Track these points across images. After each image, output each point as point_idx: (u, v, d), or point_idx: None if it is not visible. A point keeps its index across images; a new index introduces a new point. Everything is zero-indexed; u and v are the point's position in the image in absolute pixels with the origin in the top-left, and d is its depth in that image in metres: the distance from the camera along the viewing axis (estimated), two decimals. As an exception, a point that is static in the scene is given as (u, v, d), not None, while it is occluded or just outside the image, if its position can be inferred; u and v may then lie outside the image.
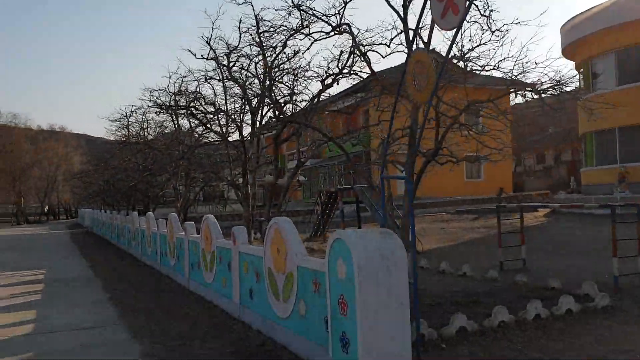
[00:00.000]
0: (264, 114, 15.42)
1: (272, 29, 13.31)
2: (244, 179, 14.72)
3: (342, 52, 12.59)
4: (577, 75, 28.52)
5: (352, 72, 11.99)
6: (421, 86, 5.04)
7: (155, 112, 21.24)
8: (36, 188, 77.81)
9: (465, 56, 10.58)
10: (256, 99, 14.23)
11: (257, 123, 15.28)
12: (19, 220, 70.08)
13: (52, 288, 13.22)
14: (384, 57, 10.68)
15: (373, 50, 10.60)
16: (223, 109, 15.36)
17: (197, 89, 16.65)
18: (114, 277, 14.96)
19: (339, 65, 12.30)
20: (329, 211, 18.57)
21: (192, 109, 16.04)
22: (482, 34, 10.13)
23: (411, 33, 9.85)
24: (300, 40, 11.90)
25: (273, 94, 12.22)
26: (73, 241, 30.82)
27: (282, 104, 12.41)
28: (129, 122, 28.01)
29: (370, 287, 5.00)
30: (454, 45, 9.21)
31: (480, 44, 10.23)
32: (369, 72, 12.54)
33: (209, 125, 16.69)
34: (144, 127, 25.12)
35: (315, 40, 11.41)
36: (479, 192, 41.30)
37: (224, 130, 16.90)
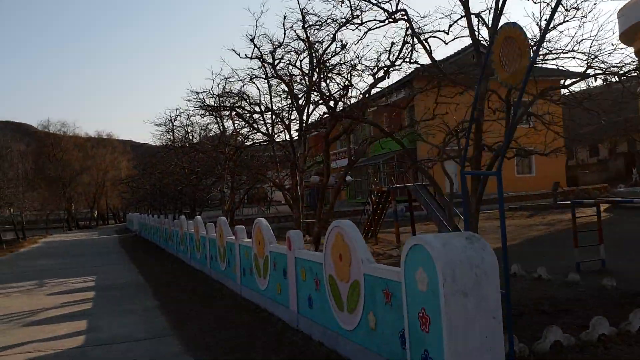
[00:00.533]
0: (310, 112, 14.88)
1: (319, 22, 12.73)
2: (293, 180, 14.19)
3: (393, 43, 11.90)
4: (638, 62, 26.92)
5: (410, 60, 11.25)
6: (512, 67, 4.35)
7: (200, 115, 21.02)
8: (85, 194, 79.73)
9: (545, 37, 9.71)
10: (303, 96, 13.70)
11: (304, 122, 14.74)
12: (69, 226, 71.80)
13: (103, 296, 13.00)
14: (446, 44, 9.96)
15: (434, 37, 9.86)
16: (269, 108, 14.86)
17: (242, 89, 16.27)
18: (164, 282, 14.68)
19: (391, 56, 11.61)
20: (379, 211, 17.89)
21: (238, 109, 15.60)
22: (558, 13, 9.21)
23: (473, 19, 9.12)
24: (352, 30, 11.18)
25: (323, 90, 11.63)
26: (122, 246, 31.04)
27: (336, 99, 11.78)
28: (174, 126, 27.99)
29: (458, 300, 4.34)
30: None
31: (557, 25, 9.31)
32: (421, 63, 11.86)
33: (255, 126, 16.24)
34: (189, 130, 25.01)
35: (369, 29, 10.76)
36: (531, 187, 39.78)
37: (270, 131, 16.44)
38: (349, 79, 11.93)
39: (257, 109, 15.72)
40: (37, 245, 38.03)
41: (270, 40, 15.09)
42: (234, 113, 16.24)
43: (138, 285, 14.53)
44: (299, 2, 12.90)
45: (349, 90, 11.91)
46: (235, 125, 21.08)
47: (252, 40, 14.83)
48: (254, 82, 16.28)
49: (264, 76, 15.22)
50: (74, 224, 74.25)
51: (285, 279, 8.73)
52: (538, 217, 25.34)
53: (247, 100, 16.23)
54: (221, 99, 20.00)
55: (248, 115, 15.62)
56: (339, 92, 11.98)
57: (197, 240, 16.91)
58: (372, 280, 5.84)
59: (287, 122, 14.28)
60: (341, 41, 12.17)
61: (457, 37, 9.96)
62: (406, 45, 11.08)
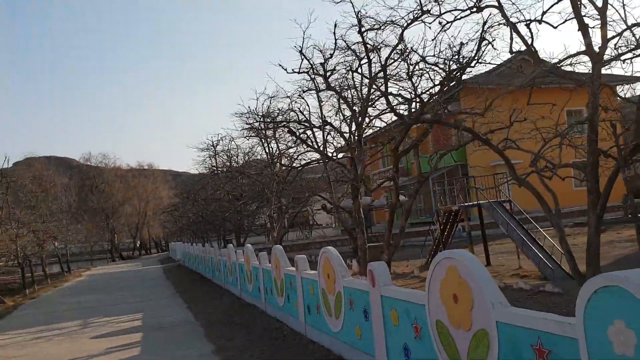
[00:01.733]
0: (367, 123, 13.48)
1: (377, 25, 11.40)
2: (356, 202, 12.77)
3: (462, 44, 10.46)
4: None
5: (478, 60, 9.80)
6: None
7: (245, 137, 19.89)
8: (128, 224, 80.00)
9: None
10: (361, 107, 12.34)
11: (361, 136, 13.33)
12: (113, 257, 71.81)
13: (152, 338, 11.74)
14: (555, 28, 8.48)
15: (543, 21, 8.40)
16: (325, 121, 13.53)
17: (290, 106, 15.01)
18: (216, 320, 13.35)
19: (465, 54, 10.18)
20: (446, 232, 16.27)
21: (288, 125, 14.32)
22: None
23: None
24: (429, 23, 9.71)
25: (390, 95, 10.23)
26: (167, 277, 30.03)
27: (413, 101, 10.34)
28: (216, 152, 27.05)
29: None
30: None
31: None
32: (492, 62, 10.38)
33: (309, 142, 14.89)
34: (230, 155, 23.91)
35: (448, 22, 9.39)
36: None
37: (323, 148, 15.10)
38: (417, 82, 10.54)
39: (309, 124, 14.43)
40: (81, 278, 37.47)
41: (321, 51, 13.86)
42: (286, 130, 14.96)
43: (188, 323, 13.25)
44: (353, 5, 11.45)
45: (418, 95, 10.48)
46: (281, 145, 19.92)
47: (300, 51, 13.62)
48: (303, 98, 15.08)
49: (314, 90, 13.95)
50: (117, 255, 74.31)
51: (368, 321, 7.25)
52: (612, 233, 23.23)
53: (297, 117, 14.96)
54: (266, 119, 18.92)
55: (301, 131, 14.33)
56: (416, 96, 10.55)
57: (248, 271, 15.59)
58: (513, 332, 4.33)
59: (346, 137, 12.88)
60: (404, 43, 10.77)
61: (566, 20, 8.39)
62: (484, 41, 9.63)
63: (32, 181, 50.92)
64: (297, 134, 13.90)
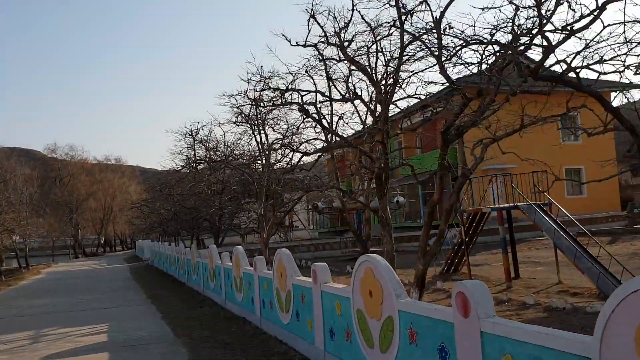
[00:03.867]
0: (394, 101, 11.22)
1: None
2: (382, 201, 10.51)
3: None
4: None
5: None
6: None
7: (235, 123, 17.46)
8: (92, 220, 76.35)
9: None
10: (389, 78, 10.12)
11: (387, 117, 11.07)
12: (76, 253, 68.24)
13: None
14: None
15: None
16: (356, 94, 11.16)
17: (292, 85, 12.64)
18: (200, 337, 10.95)
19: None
20: (468, 238, 14.14)
21: (302, 105, 11.94)
22: None
23: None
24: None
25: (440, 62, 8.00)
26: (135, 278, 27.30)
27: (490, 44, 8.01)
28: (195, 141, 24.48)
29: None
30: None
31: None
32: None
33: (324, 124, 12.47)
34: (217, 143, 21.28)
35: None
36: (581, 209, 35.88)
37: (330, 135, 12.80)
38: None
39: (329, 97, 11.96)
40: (40, 276, 34.42)
41: (335, 17, 11.59)
42: (283, 113, 12.59)
43: (165, 340, 10.81)
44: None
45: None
46: (272, 135, 17.59)
47: (312, 16, 11.32)
48: (310, 76, 12.75)
49: (338, 57, 11.58)
50: (80, 251, 70.63)
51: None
52: (625, 244, 21.55)
53: (301, 99, 12.59)
54: (258, 103, 16.59)
55: (315, 112, 11.94)
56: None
57: (238, 277, 13.22)
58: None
59: (377, 118, 10.56)
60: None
61: None
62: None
63: (-11, 170, 47.37)
64: (308, 112, 11.55)
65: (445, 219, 9.00)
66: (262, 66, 11.01)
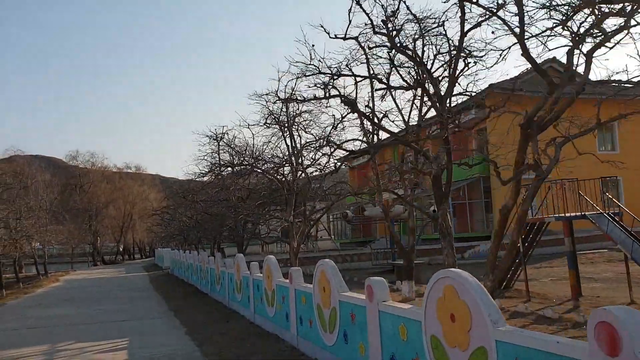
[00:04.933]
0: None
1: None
2: (443, 207, 9.29)
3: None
4: None
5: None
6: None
7: (265, 124, 16.40)
8: (112, 227, 75.85)
9: None
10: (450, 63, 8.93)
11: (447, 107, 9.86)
12: (95, 261, 67.76)
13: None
14: None
15: None
16: (430, 70, 9.85)
17: (330, 83, 11.51)
18: (230, 356, 9.81)
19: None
20: (522, 251, 12.79)
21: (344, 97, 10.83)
22: None
23: None
24: None
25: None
26: (155, 288, 26.30)
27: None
28: (220, 146, 23.47)
29: None
30: None
31: None
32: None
33: (374, 121, 11.28)
34: (246, 147, 20.06)
35: None
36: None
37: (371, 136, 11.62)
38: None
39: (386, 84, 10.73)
40: (58, 284, 33.61)
41: (382, 5, 10.48)
42: (342, 100, 11.31)
43: (192, 360, 9.68)
44: None
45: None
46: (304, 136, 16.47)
47: (357, 2, 10.21)
48: (351, 71, 11.59)
49: (388, 47, 10.42)
50: (99, 259, 70.15)
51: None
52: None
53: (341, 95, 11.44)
54: (288, 104, 15.55)
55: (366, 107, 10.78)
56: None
57: (269, 289, 12.06)
58: None
59: (439, 104, 9.30)
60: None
61: None
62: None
63: (12, 176, 46.91)
64: (355, 104, 10.38)
65: (518, 229, 7.78)
66: (313, 45, 9.69)
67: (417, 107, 10.96)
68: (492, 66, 10.34)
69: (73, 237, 58.01)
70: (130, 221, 76.91)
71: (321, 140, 14.94)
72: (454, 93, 9.79)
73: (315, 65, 10.37)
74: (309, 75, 10.37)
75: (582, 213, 12.15)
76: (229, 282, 16.91)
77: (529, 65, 7.82)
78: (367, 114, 11.07)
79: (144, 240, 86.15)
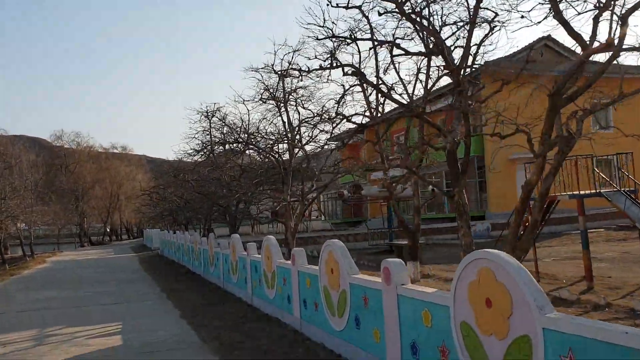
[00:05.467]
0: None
1: None
2: (460, 183, 8.76)
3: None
4: None
5: None
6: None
7: (262, 100, 15.76)
8: (98, 208, 74.82)
9: None
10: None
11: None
12: (82, 242, 66.94)
13: (140, 374, 7.72)
14: None
15: None
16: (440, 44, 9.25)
17: (334, 53, 10.89)
18: (230, 340, 9.34)
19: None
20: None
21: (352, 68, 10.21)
22: None
23: None
24: None
25: None
26: (145, 269, 25.74)
27: None
28: (211, 124, 22.76)
29: None
30: None
31: None
32: None
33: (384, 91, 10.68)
34: (241, 123, 19.30)
35: None
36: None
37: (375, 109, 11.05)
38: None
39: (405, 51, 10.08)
40: (45, 265, 32.90)
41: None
42: (352, 72, 10.66)
43: (190, 346, 9.20)
44: None
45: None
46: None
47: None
48: (354, 41, 10.99)
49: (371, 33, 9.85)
50: (86, 240, 69.31)
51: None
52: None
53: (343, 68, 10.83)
54: (284, 78, 14.94)
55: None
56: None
57: (269, 271, 11.58)
58: None
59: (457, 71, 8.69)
60: None
61: None
62: None
63: (-6, 156, 45.86)
64: (364, 74, 9.78)
65: (540, 206, 7.31)
66: (328, 3, 8.93)
67: (430, 78, 10.38)
68: (515, 31, 9.76)
69: (59, 218, 57.17)
70: (117, 202, 75.98)
71: (324, 115, 14.35)
72: (469, 63, 9.23)
73: (328, 28, 9.71)
74: (321, 39, 9.71)
75: (598, 190, 11.76)
76: (223, 263, 16.41)
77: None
78: (378, 84, 10.46)
79: (131, 221, 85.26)
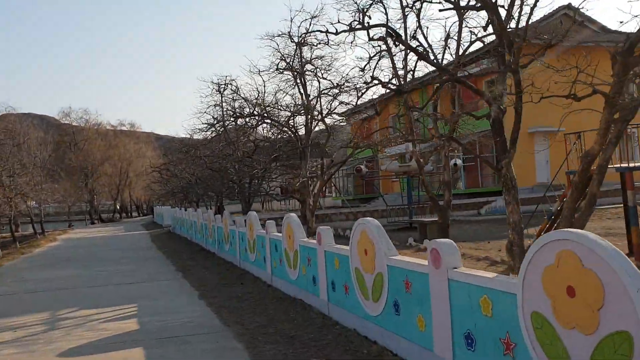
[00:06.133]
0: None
1: None
2: (508, 155, 8.03)
3: None
4: None
5: None
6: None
7: (279, 70, 14.98)
8: (108, 185, 74.58)
9: None
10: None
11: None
12: (92, 219, 66.85)
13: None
14: None
15: None
16: None
17: (364, 10, 10.05)
18: (252, 323, 8.78)
19: None
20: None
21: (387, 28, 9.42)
22: None
23: None
24: None
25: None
26: (158, 247, 25.28)
27: None
28: (223, 97, 22.03)
29: None
30: None
31: None
32: None
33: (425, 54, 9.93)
34: (258, 95, 18.38)
35: None
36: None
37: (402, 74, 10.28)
38: None
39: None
40: (56, 243, 32.61)
41: None
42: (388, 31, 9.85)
43: (211, 329, 8.63)
44: None
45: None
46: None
47: None
48: (382, 4, 10.18)
49: None
50: (96, 217, 69.22)
51: None
52: None
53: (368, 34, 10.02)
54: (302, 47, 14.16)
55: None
56: None
57: (290, 250, 10.96)
58: None
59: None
60: None
61: None
62: None
63: (4, 133, 45.39)
64: (399, 35, 8.99)
65: (599, 180, 6.59)
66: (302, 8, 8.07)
67: (460, 42, 9.59)
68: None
69: (69, 196, 57.01)
70: (127, 179, 75.67)
71: (345, 84, 13.54)
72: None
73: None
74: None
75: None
76: (240, 241, 15.83)
77: None
78: (410, 47, 9.66)
79: (141, 198, 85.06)
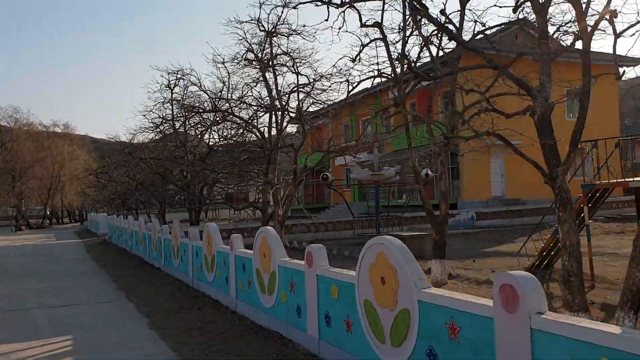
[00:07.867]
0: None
1: None
2: (565, 165, 6.47)
3: None
4: None
5: None
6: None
7: (245, 61, 13.16)
8: (38, 189, 69.82)
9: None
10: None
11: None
12: (19, 225, 62.16)
13: None
14: None
15: None
16: None
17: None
18: (212, 352, 6.95)
19: None
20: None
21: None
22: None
23: None
24: None
25: None
26: (94, 259, 22.74)
27: None
28: (173, 96, 19.93)
29: None
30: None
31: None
32: None
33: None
34: (224, 89, 16.22)
35: None
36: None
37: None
38: None
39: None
40: (-25, 252, 29.18)
41: None
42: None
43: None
44: None
45: None
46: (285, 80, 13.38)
47: None
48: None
49: None
50: (24, 223, 64.45)
51: None
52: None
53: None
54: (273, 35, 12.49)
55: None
56: None
57: (264, 272, 9.17)
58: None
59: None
60: None
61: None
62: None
63: None
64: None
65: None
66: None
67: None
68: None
69: (-6, 200, 52.67)
70: (59, 183, 71.13)
71: (325, 77, 11.84)
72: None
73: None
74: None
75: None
76: (193, 256, 13.86)
77: None
78: (437, 18, 8.11)
79: (73, 203, 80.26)
